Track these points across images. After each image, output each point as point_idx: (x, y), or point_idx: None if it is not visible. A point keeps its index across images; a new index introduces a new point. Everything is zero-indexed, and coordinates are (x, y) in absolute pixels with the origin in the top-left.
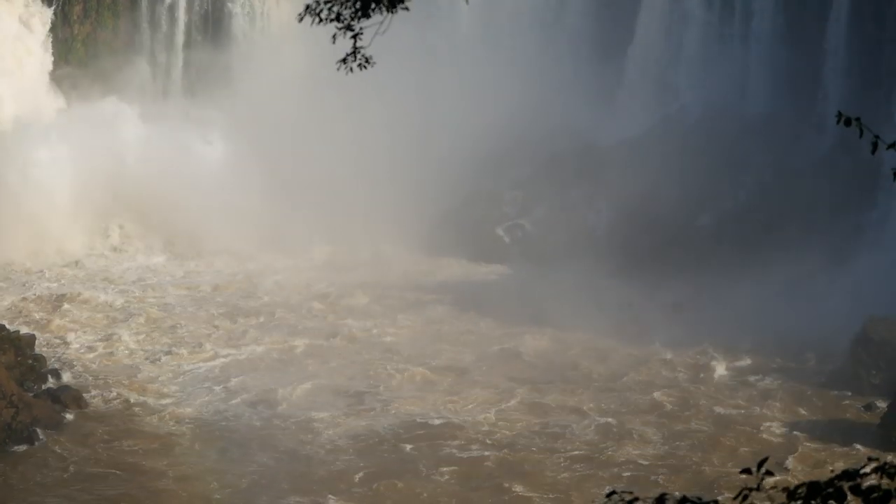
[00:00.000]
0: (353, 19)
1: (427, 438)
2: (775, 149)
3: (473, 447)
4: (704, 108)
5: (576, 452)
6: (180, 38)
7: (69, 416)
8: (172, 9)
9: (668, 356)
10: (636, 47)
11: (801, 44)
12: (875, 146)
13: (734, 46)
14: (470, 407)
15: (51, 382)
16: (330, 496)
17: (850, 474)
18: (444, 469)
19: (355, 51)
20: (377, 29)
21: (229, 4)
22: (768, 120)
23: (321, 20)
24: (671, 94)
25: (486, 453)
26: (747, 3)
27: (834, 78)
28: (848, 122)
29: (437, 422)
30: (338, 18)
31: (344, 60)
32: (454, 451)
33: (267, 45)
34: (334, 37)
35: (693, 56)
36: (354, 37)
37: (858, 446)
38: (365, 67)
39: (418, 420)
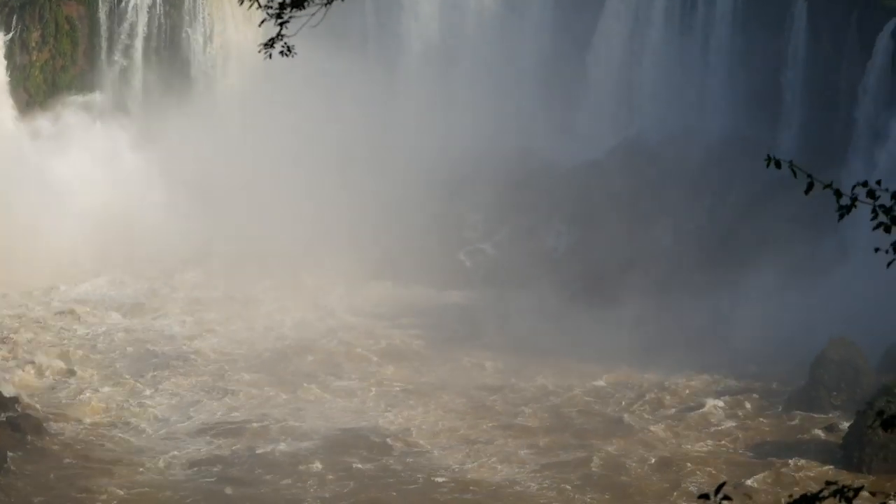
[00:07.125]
0: (284, 7)
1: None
2: (735, 170)
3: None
4: (664, 130)
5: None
6: (138, 61)
7: (30, 444)
8: (131, 34)
9: (632, 379)
10: (594, 70)
11: (759, 65)
12: (810, 186)
13: (693, 69)
14: (486, 458)
15: (10, 410)
16: None
17: (809, 499)
18: None
19: (280, 37)
20: (307, 19)
21: (187, 29)
22: (727, 142)
23: (259, 5)
24: (630, 117)
25: None
26: (706, 24)
27: (792, 98)
28: (778, 165)
29: (447, 475)
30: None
31: (267, 45)
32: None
33: (223, 66)
34: (262, 22)
35: (652, 79)
36: (282, 24)
37: (821, 467)
38: (286, 55)
39: (430, 470)
